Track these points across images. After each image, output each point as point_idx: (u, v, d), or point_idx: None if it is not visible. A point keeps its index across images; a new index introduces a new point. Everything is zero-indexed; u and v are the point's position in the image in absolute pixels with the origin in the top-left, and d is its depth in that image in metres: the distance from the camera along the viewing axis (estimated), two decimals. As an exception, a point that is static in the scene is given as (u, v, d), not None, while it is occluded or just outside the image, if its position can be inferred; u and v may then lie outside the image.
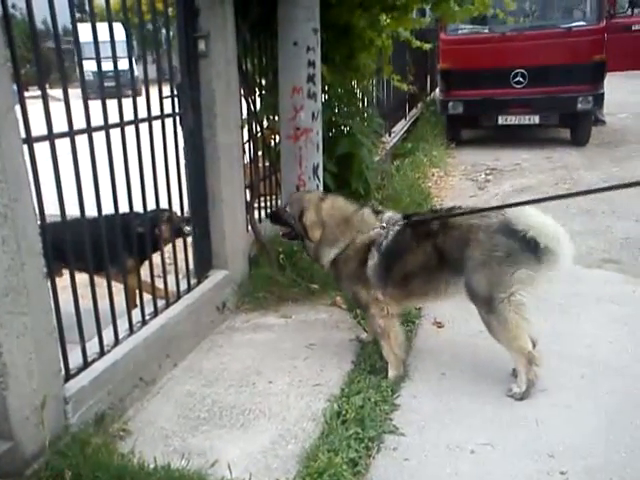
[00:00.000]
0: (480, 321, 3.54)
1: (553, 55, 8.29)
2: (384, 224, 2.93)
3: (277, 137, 4.14)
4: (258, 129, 4.11)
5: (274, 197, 4.39)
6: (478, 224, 2.71)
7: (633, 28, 8.36)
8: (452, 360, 3.16)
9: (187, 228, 3.32)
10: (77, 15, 2.47)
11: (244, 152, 3.82)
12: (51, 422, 2.12)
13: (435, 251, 2.81)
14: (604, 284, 4.09)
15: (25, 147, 2.03)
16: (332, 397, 2.75)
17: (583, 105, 8.51)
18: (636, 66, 9.04)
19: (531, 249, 2.61)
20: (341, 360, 3.11)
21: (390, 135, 8.54)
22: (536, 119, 8.85)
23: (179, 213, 3.30)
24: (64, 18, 2.39)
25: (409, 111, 10.68)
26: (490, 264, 2.66)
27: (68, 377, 2.30)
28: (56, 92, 2.53)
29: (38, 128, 2.19)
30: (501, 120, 8.98)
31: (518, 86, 8.73)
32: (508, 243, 2.63)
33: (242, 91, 3.75)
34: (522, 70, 8.63)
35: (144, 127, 2.81)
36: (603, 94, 8.70)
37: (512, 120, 8.95)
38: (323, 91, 4.64)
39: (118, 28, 2.68)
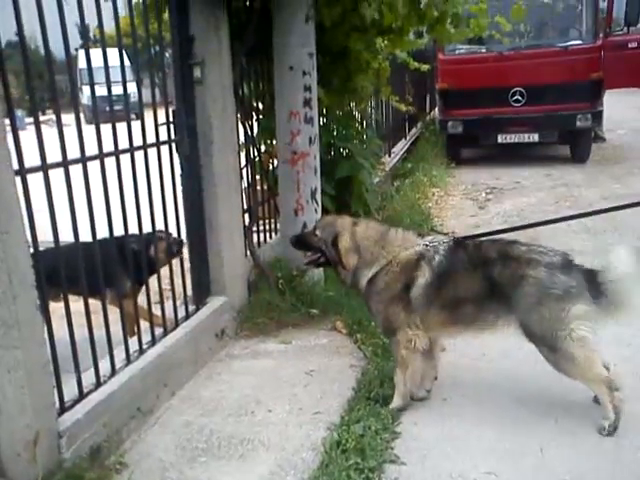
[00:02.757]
0: (482, 344, 3.52)
1: (551, 73, 8.36)
2: (429, 243, 2.85)
3: (275, 161, 4.13)
4: (256, 153, 4.10)
5: (272, 221, 4.37)
6: (539, 259, 2.63)
7: (629, 46, 8.41)
8: (454, 385, 3.11)
9: (179, 250, 3.30)
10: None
11: (242, 177, 3.81)
12: (44, 458, 2.07)
13: (489, 280, 2.70)
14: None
15: (18, 178, 2.02)
16: (332, 426, 2.70)
17: (582, 122, 8.55)
18: (633, 83, 9.08)
19: (593, 291, 2.56)
20: (341, 387, 3.06)
21: (390, 155, 8.55)
22: (535, 137, 8.89)
23: (175, 235, 3.29)
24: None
25: (409, 131, 10.72)
26: (546, 302, 2.57)
27: (63, 410, 2.26)
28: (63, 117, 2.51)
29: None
30: (501, 139, 9.03)
31: (517, 104, 8.78)
32: (568, 281, 2.57)
33: (239, 116, 3.75)
34: (520, 89, 8.68)
35: (140, 153, 2.81)
36: (602, 111, 8.76)
37: (512, 138, 8.99)
38: (321, 114, 4.66)
39: (116, 54, 2.70)
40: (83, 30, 2.52)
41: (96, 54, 2.56)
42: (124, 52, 2.66)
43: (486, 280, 2.71)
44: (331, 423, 2.72)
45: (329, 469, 2.39)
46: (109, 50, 2.62)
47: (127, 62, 2.80)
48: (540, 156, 9.78)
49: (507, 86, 8.68)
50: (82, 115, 2.55)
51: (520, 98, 8.73)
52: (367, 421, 2.70)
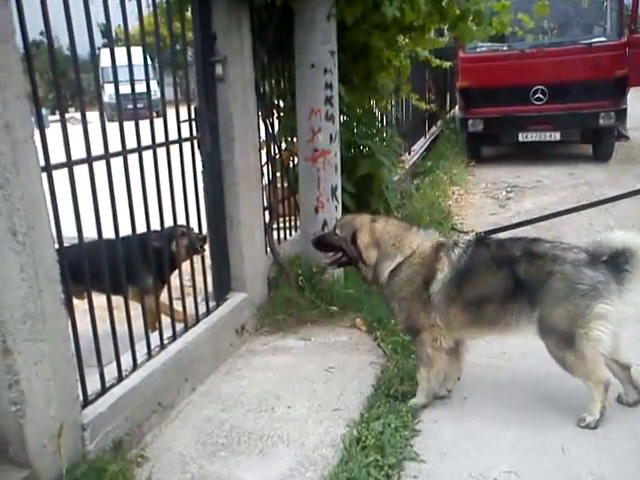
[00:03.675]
0: (502, 343, 3.49)
1: (574, 71, 8.24)
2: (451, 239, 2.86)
3: (296, 159, 4.14)
4: (277, 151, 4.12)
5: (293, 219, 4.38)
6: (564, 256, 2.60)
7: (655, 44, 8.29)
8: (474, 383, 3.09)
9: (202, 246, 3.32)
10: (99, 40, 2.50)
11: (263, 174, 3.83)
12: (68, 449, 2.10)
13: (513, 278, 2.68)
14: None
15: (44, 175, 2.06)
16: (352, 422, 2.70)
17: (605, 121, 8.42)
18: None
19: (617, 279, 2.53)
20: (361, 384, 3.06)
21: (410, 153, 8.52)
22: (557, 136, 8.78)
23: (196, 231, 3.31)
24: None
25: (429, 129, 10.67)
26: (572, 297, 2.55)
27: (86, 403, 2.30)
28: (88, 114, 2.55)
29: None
30: (522, 137, 8.93)
31: (538, 103, 8.67)
32: (595, 276, 2.54)
33: (260, 113, 3.77)
34: (542, 87, 8.58)
35: (163, 150, 2.84)
36: (626, 109, 8.60)
37: (533, 137, 8.89)
38: (342, 112, 4.66)
39: (139, 52, 2.73)
40: (106, 29, 2.54)
41: (119, 53, 2.59)
42: (147, 51, 2.69)
43: (511, 278, 2.68)
44: (350, 420, 2.72)
45: (349, 466, 2.39)
46: (132, 49, 2.65)
47: (150, 60, 2.83)
48: (562, 155, 9.66)
49: (528, 84, 8.58)
50: (105, 113, 2.58)
51: (542, 96, 8.63)
52: (387, 418, 2.70)
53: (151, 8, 2.81)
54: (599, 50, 8.26)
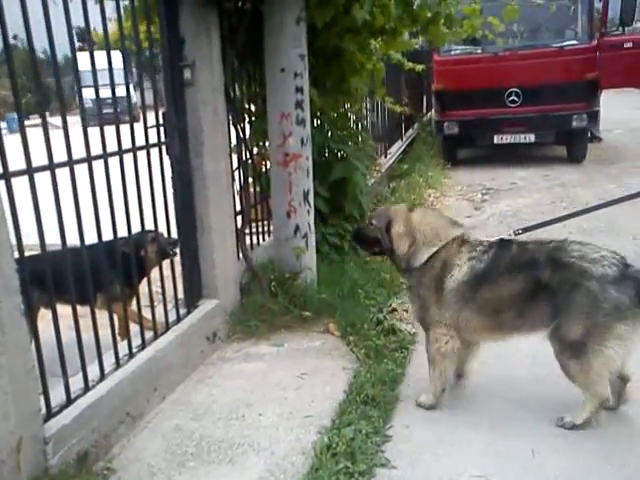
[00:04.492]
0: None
1: (547, 74, 8.37)
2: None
3: (267, 163, 4.12)
4: (248, 156, 4.09)
5: (265, 223, 4.36)
6: (592, 271, 2.51)
7: (625, 46, 8.43)
8: (447, 388, 3.09)
9: (174, 250, 3.28)
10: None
11: (234, 179, 3.80)
12: (29, 464, 2.05)
13: (535, 285, 2.63)
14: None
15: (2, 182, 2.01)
16: (323, 429, 2.68)
17: (578, 123, 8.56)
18: (629, 83, 9.10)
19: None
20: (333, 390, 3.04)
21: (386, 157, 8.55)
22: (532, 137, 8.90)
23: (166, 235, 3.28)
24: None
25: (405, 132, 10.72)
26: (594, 316, 2.50)
27: (49, 416, 2.24)
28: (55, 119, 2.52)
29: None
30: (497, 139, 9.03)
31: (513, 105, 8.79)
32: (619, 298, 2.47)
33: (230, 118, 3.74)
34: (516, 89, 8.70)
35: (130, 156, 2.80)
36: (598, 111, 8.74)
37: (508, 139, 9.00)
38: (315, 116, 4.65)
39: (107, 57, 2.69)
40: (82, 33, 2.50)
41: (84, 57, 2.56)
42: (115, 55, 2.66)
43: (532, 285, 2.63)
44: (322, 426, 2.70)
45: (319, 473, 2.37)
46: (101, 53, 2.62)
47: (119, 65, 2.79)
48: (537, 156, 9.78)
49: (503, 87, 8.70)
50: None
51: (516, 99, 8.74)
52: (358, 424, 2.68)
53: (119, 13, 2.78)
54: (571, 53, 8.41)
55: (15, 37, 2.47)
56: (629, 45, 8.40)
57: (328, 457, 2.46)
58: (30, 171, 2.19)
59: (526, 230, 2.98)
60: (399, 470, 2.47)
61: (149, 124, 3.02)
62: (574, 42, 8.61)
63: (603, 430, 2.67)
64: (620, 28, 8.68)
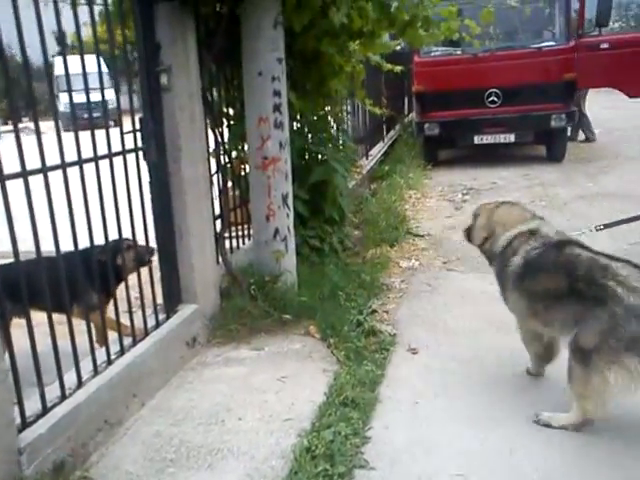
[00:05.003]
0: (455, 346, 3.55)
1: (525, 75, 8.47)
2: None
3: (247, 167, 4.12)
4: (227, 160, 4.09)
5: (245, 227, 4.36)
6: (624, 298, 2.50)
7: (601, 47, 8.55)
8: (426, 387, 3.13)
9: (150, 258, 3.27)
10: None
11: (212, 183, 3.79)
12: (3, 475, 2.04)
13: (568, 290, 2.69)
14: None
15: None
16: (302, 432, 2.69)
17: (557, 122, 8.67)
18: (606, 83, 9.22)
19: None
20: (313, 392, 3.05)
21: (367, 158, 8.58)
22: (511, 138, 8.99)
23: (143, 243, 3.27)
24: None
25: (387, 133, 10.76)
26: (609, 336, 2.50)
27: (24, 426, 2.23)
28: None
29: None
30: (477, 140, 9.11)
31: (493, 106, 8.87)
32: (637, 332, 2.47)
33: (208, 122, 3.74)
34: (496, 90, 8.78)
35: (107, 162, 2.79)
36: (575, 112, 8.84)
37: (488, 139, 9.08)
38: (294, 119, 4.66)
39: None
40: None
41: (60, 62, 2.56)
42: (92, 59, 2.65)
43: (565, 289, 2.71)
44: (302, 429, 2.71)
45: (298, 476, 2.38)
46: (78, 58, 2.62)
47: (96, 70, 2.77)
48: (517, 156, 9.87)
49: (483, 87, 8.77)
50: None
51: (496, 99, 8.83)
52: (337, 426, 2.69)
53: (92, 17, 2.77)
54: (548, 54, 8.52)
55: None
56: (606, 46, 8.52)
57: (307, 460, 2.47)
58: (1, 178, 2.17)
59: (607, 226, 3.13)
60: (378, 471, 2.48)
61: (127, 129, 3.01)
62: (552, 43, 8.71)
63: (585, 430, 2.71)
64: (597, 29, 8.81)
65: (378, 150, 9.47)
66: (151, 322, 3.19)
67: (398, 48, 8.32)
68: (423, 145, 9.78)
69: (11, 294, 2.38)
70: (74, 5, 2.54)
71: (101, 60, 2.73)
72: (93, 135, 2.70)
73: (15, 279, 2.31)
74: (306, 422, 2.78)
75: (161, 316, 3.27)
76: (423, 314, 4.09)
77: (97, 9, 2.89)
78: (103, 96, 2.74)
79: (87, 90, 2.62)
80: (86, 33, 2.72)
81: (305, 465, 2.44)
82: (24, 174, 2.28)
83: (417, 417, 2.88)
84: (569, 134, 10.43)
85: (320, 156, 4.82)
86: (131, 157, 3.04)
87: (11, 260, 2.35)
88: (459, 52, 8.79)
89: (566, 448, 2.58)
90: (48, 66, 2.54)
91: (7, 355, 2.19)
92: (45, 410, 2.35)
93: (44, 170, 2.39)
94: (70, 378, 2.56)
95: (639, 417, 2.80)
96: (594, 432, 2.67)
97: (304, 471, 2.41)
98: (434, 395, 3.05)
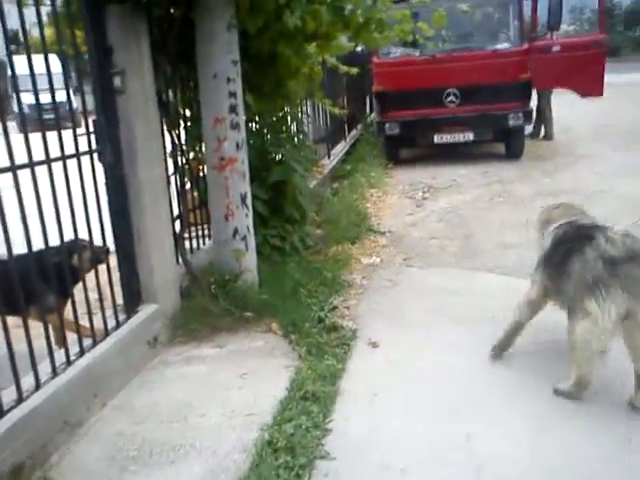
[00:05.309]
0: (414, 339, 3.64)
1: (482, 75, 8.65)
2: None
3: (205, 168, 4.14)
4: (185, 161, 4.11)
5: (205, 227, 4.38)
6: (599, 245, 2.75)
7: (554, 49, 8.83)
8: (385, 380, 3.19)
9: (106, 257, 3.27)
10: None
11: (169, 184, 3.80)
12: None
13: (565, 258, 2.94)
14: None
15: None
16: (264, 426, 2.74)
17: (514, 121, 8.89)
18: (559, 84, 9.52)
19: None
20: (275, 387, 3.09)
21: (329, 158, 8.66)
22: (470, 136, 9.16)
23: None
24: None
25: (349, 133, 10.86)
26: (580, 284, 2.77)
27: (-20, 429, 2.23)
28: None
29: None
30: (437, 139, 9.26)
31: (451, 105, 9.04)
32: (601, 273, 2.69)
33: (165, 124, 3.75)
34: (454, 90, 8.94)
35: (60, 164, 2.79)
36: (532, 111, 9.08)
37: (447, 138, 9.24)
38: (252, 120, 4.70)
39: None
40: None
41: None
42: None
43: (565, 258, 2.95)
44: (263, 424, 2.76)
45: (259, 469, 2.43)
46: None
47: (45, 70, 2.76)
48: (476, 154, 10.07)
49: (441, 87, 8.93)
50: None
51: (454, 99, 8.99)
52: (298, 420, 2.75)
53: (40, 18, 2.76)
54: (504, 55, 8.75)
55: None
56: (557, 49, 8.79)
57: (269, 453, 2.52)
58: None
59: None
60: (338, 461, 2.54)
61: (75, 130, 3.00)
62: (507, 45, 8.93)
63: (532, 412, 2.82)
64: (549, 33, 9.08)
65: (340, 149, 9.57)
66: (111, 323, 3.19)
67: (358, 49, 8.47)
68: (384, 144, 9.89)
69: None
70: (19, 6, 2.53)
71: (55, 61, 2.73)
72: (44, 136, 2.69)
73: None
74: (268, 416, 2.83)
75: (121, 316, 3.28)
76: (383, 309, 4.17)
77: (47, 10, 2.91)
78: (53, 97, 2.73)
79: (36, 92, 2.61)
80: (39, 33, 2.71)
81: (266, 458, 2.49)
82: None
83: (376, 409, 2.94)
84: (532, 131, 10.73)
85: (279, 156, 4.87)
86: (85, 159, 3.03)
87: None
88: (417, 53, 8.92)
89: (515, 436, 2.67)
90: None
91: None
92: (1, 413, 2.34)
93: (-4, 172, 2.39)
94: (27, 381, 2.55)
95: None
96: (545, 420, 2.78)
97: (265, 464, 2.46)
98: (393, 388, 3.12)
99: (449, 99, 9.01)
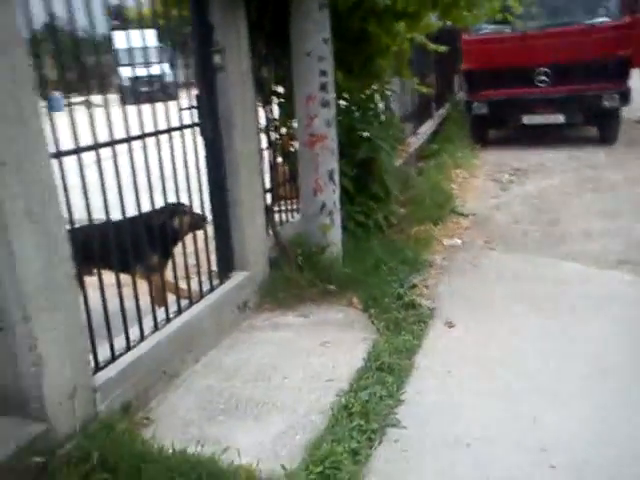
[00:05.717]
0: (490, 322, 3.68)
1: (576, 53, 8.27)
2: None
3: (295, 144, 4.31)
4: (277, 136, 4.29)
5: (294, 201, 4.57)
6: None
7: (658, 23, 8.29)
8: (459, 359, 3.27)
9: (203, 222, 3.49)
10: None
11: (263, 158, 4.00)
12: (81, 409, 2.33)
13: None
14: (617, 284, 4.16)
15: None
16: (341, 392, 2.89)
17: (609, 103, 8.45)
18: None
19: None
20: (353, 357, 3.24)
21: (416, 136, 8.63)
22: (561, 118, 8.84)
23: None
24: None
25: (436, 111, 10.74)
26: None
27: (97, 369, 2.52)
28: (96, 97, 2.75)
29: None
30: (526, 120, 9.00)
31: (542, 85, 8.74)
32: None
33: (259, 100, 3.93)
34: (546, 69, 8.63)
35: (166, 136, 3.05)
36: (629, 91, 8.60)
37: (537, 120, 8.98)
38: (341, 98, 4.80)
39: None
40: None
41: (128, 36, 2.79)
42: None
43: None
44: (340, 389, 2.92)
45: (334, 430, 2.58)
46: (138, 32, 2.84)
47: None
48: (567, 137, 9.72)
49: (532, 66, 8.63)
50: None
51: (545, 78, 8.68)
52: (373, 388, 2.88)
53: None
54: (601, 31, 8.26)
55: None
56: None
57: (344, 416, 2.67)
58: (78, 151, 2.44)
59: None
60: (409, 430, 2.67)
61: (180, 104, 3.24)
62: (605, 19, 8.44)
63: (601, 401, 2.83)
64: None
65: (427, 128, 9.50)
66: (206, 287, 3.45)
67: (448, 24, 8.31)
68: (472, 124, 9.71)
69: (85, 254, 2.66)
70: None
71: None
72: (154, 112, 2.94)
73: (89, 241, 2.60)
74: (345, 383, 2.98)
75: (215, 281, 3.53)
76: (462, 291, 4.22)
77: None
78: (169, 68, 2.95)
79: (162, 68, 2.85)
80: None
81: (342, 420, 2.65)
82: (95, 147, 2.54)
83: (448, 385, 3.04)
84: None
85: (366, 134, 4.96)
86: (188, 132, 3.27)
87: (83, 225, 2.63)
88: (508, 30, 8.63)
89: (581, 421, 2.69)
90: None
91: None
92: (114, 358, 2.64)
93: (112, 143, 2.65)
94: (134, 332, 2.84)
95: None
96: (612, 410, 2.79)
97: (341, 425, 2.61)
98: (466, 367, 3.19)
99: (540, 78, 8.70)
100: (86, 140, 2.52)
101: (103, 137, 2.61)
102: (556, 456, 2.46)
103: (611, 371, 3.07)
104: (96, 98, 2.72)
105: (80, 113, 2.55)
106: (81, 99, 2.56)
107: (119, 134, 2.70)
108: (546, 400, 2.86)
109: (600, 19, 8.47)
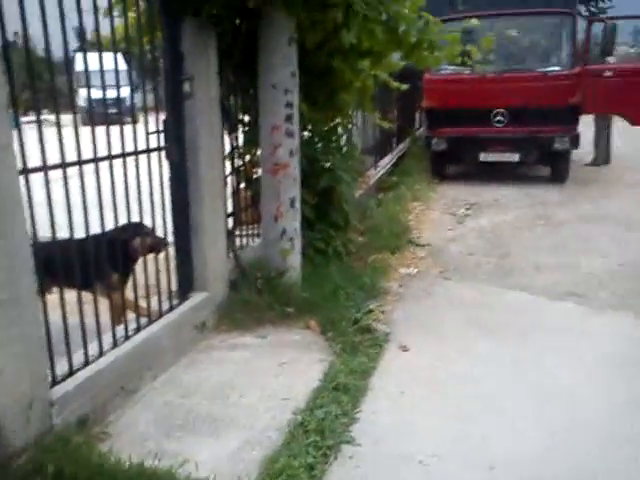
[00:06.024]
0: (443, 346, 3.82)
1: (531, 97, 8.71)
2: None
3: (258, 170, 4.44)
4: (241, 163, 4.41)
5: (255, 226, 4.67)
6: None
7: (605, 74, 8.84)
8: (412, 380, 3.39)
9: (164, 244, 3.54)
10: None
11: (226, 184, 4.11)
12: (37, 422, 2.35)
13: None
14: (564, 314, 4.37)
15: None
16: (297, 410, 2.97)
17: (560, 145, 8.90)
18: (610, 110, 9.50)
19: None
20: (309, 378, 3.33)
21: (376, 169, 8.87)
22: (516, 157, 9.24)
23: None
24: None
25: (397, 145, 11.06)
26: None
27: (55, 383, 2.55)
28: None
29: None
30: (483, 157, 9.37)
31: (499, 125, 9.14)
32: None
33: (225, 128, 4.06)
34: (502, 110, 9.05)
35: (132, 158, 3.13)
36: (579, 135, 9.08)
37: (493, 157, 9.35)
38: (305, 129, 4.97)
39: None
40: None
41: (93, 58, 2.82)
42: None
43: None
44: (297, 408, 2.99)
45: (291, 445, 2.66)
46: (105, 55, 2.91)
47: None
48: (521, 175, 10.13)
49: (490, 107, 9.05)
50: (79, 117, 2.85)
51: (502, 119, 9.10)
52: (329, 407, 2.97)
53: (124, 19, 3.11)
54: (554, 79, 8.76)
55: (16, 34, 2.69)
56: (609, 74, 8.80)
57: (300, 433, 2.76)
58: (45, 168, 2.50)
59: None
60: (363, 447, 2.75)
61: (148, 128, 3.31)
62: (557, 68, 8.96)
63: (548, 422, 2.98)
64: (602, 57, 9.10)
65: (387, 162, 9.76)
66: (165, 306, 3.50)
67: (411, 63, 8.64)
68: (431, 159, 10.04)
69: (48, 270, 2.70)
70: (95, 12, 2.85)
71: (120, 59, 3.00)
72: (122, 135, 3.03)
73: (52, 258, 2.65)
74: (301, 402, 3.07)
75: (175, 301, 3.59)
76: (417, 317, 4.37)
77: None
78: (132, 92, 3.04)
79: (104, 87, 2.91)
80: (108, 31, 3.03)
81: (298, 437, 2.74)
82: (63, 165, 2.61)
83: (402, 405, 3.15)
84: (596, 159, 10.70)
85: (328, 164, 5.13)
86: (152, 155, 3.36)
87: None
88: (468, 72, 9.03)
89: (528, 441, 2.83)
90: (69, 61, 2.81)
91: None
92: (71, 372, 2.67)
93: (79, 163, 2.72)
94: (92, 348, 2.87)
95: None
96: (559, 431, 2.94)
97: (297, 442, 2.70)
98: (419, 389, 3.31)
99: (497, 119, 9.12)
100: (35, 160, 2.51)
101: (71, 156, 2.68)
102: (504, 474, 2.59)
103: (557, 394, 3.23)
104: (61, 117, 2.73)
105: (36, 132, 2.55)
106: (32, 118, 2.57)
107: (86, 154, 2.78)
108: (495, 420, 2.99)
109: (553, 67, 8.99)
